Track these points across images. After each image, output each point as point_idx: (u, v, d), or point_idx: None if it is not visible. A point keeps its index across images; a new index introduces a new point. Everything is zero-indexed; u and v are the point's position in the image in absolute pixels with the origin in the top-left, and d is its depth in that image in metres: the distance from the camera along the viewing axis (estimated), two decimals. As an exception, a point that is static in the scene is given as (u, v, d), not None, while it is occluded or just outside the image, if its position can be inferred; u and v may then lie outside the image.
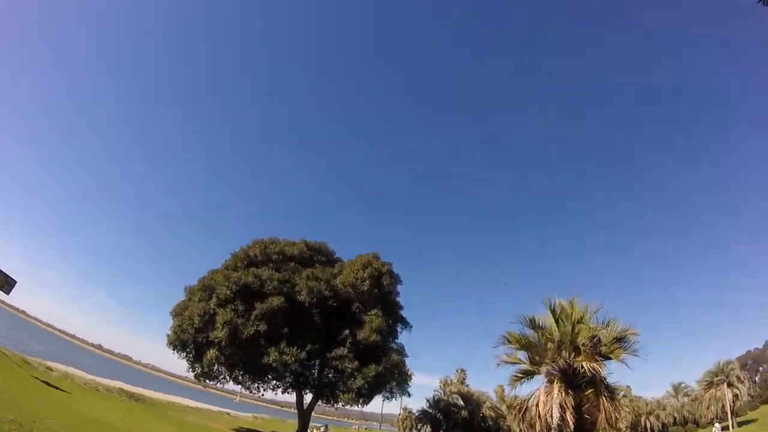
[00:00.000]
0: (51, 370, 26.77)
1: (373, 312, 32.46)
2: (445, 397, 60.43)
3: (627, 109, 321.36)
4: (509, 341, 20.41)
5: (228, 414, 48.36)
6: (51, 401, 15.91)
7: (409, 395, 37.33)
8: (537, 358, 20.31)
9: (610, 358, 18.36)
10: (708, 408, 67.59)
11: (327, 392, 33.69)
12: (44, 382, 20.94)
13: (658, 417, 79.32)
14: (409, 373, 35.16)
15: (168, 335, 32.86)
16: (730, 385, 65.88)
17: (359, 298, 33.39)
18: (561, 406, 17.21)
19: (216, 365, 31.73)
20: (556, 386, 17.87)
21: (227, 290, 30.55)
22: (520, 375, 20.70)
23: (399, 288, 37.69)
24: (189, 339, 31.04)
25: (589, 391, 18.14)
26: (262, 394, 38.18)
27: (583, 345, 18.37)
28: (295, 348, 29.62)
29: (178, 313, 32.44)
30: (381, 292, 34.77)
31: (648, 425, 78.85)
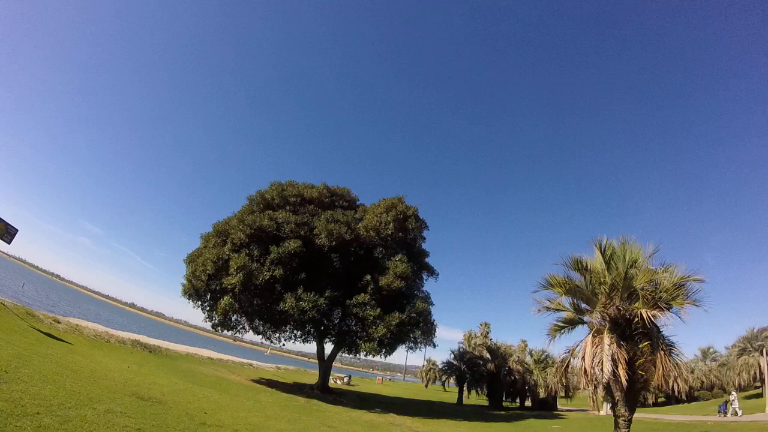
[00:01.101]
0: (58, 322, 26.43)
1: (398, 257, 31.47)
2: (470, 350, 59.76)
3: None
4: (551, 285, 18.71)
5: (250, 365, 49.16)
6: (41, 351, 15.47)
7: (435, 346, 36.21)
8: (582, 305, 18.83)
9: (669, 307, 16.22)
10: (739, 374, 65.77)
11: (348, 341, 32.98)
12: (45, 333, 20.71)
13: (686, 380, 77.73)
14: (434, 322, 33.77)
15: (182, 284, 32.61)
16: (765, 352, 63.91)
17: (382, 243, 32.33)
18: (613, 360, 15.67)
19: (231, 313, 31.34)
20: (606, 337, 16.35)
21: (241, 234, 29.80)
22: (562, 324, 19.31)
23: (425, 234, 36.39)
24: (202, 286, 30.53)
25: (644, 344, 16.53)
26: (283, 344, 38.03)
27: (643, 290, 16.61)
28: (312, 294, 28.73)
29: (191, 260, 31.93)
30: (406, 237, 33.72)
31: (675, 387, 77.53)
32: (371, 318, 29.23)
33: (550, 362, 56.22)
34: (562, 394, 55.32)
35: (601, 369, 15.62)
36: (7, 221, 23.82)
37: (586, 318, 18.78)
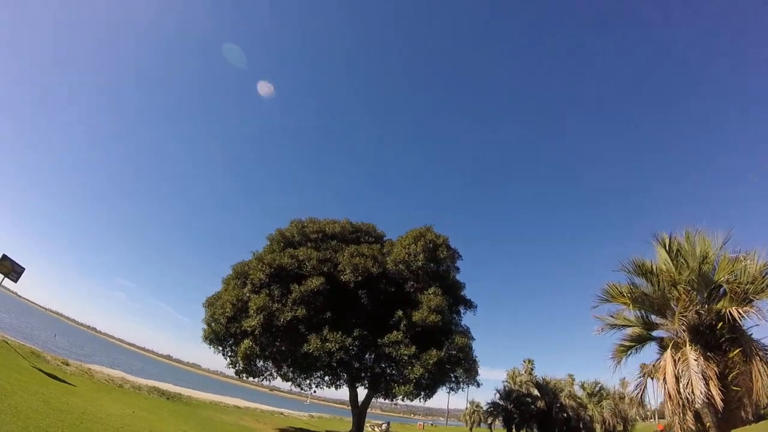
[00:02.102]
0: (67, 364, 26.51)
1: (431, 290, 29.74)
2: (516, 388, 56.92)
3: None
4: (612, 296, 16.44)
5: (281, 414, 48.16)
6: (30, 389, 15.05)
7: (478, 385, 33.77)
8: (652, 317, 16.49)
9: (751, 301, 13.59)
10: None
11: (382, 385, 31.15)
12: (47, 373, 20.47)
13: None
14: (476, 359, 31.54)
15: (203, 329, 31.97)
16: None
17: (413, 277, 30.87)
18: (702, 377, 13.20)
19: (254, 358, 29.96)
20: (690, 350, 13.99)
21: (261, 274, 28.96)
22: (629, 343, 17.05)
23: (458, 264, 34.68)
24: (222, 330, 29.82)
25: (735, 352, 13.95)
26: (314, 391, 36.54)
27: (729, 283, 14.23)
28: (339, 334, 27.34)
29: (210, 303, 31.35)
30: (438, 269, 32.20)
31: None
32: (406, 357, 27.47)
33: (605, 395, 53.23)
34: (621, 428, 52.02)
35: (692, 391, 13.16)
36: (13, 260, 25.38)
37: (656, 333, 16.60)
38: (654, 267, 15.88)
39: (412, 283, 30.40)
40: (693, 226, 15.90)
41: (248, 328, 27.38)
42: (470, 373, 31.48)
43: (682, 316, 14.77)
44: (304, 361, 29.19)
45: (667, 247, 15.86)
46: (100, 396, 21.12)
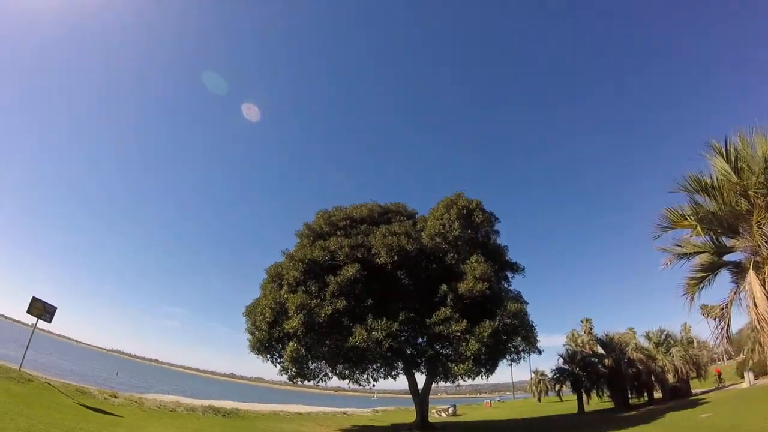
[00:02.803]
0: (115, 397, 26.50)
1: (473, 259, 28.85)
2: (579, 350, 55.21)
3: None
4: (674, 221, 14.82)
5: (344, 414, 47.78)
6: (66, 425, 15.07)
7: (540, 352, 32.13)
8: (723, 239, 14.83)
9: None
10: None
11: (440, 368, 30.04)
12: (92, 408, 20.76)
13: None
14: (533, 324, 30.31)
15: (248, 339, 31.61)
16: None
17: (452, 248, 29.98)
18: None
19: (302, 360, 29.68)
20: None
21: (294, 272, 28.42)
22: (701, 273, 15.23)
23: (498, 228, 33.48)
24: (265, 337, 29.30)
25: None
26: (373, 385, 35.33)
27: None
28: (384, 321, 26.46)
29: (250, 311, 30.99)
30: (476, 235, 31.36)
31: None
32: (459, 334, 26.57)
33: (673, 342, 51.12)
34: (694, 374, 49.96)
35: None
36: (45, 301, 27.39)
37: (728, 258, 14.98)
38: (715, 180, 14.24)
39: (452, 254, 29.49)
40: (746, 127, 14.07)
41: (290, 330, 26.72)
42: (529, 341, 30.26)
43: (760, 227, 13.23)
44: (353, 355, 28.47)
45: (724, 155, 14.07)
46: (148, 423, 21.10)
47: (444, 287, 27.58)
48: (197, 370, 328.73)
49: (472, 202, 30.93)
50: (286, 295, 27.83)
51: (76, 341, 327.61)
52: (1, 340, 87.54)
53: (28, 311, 26.97)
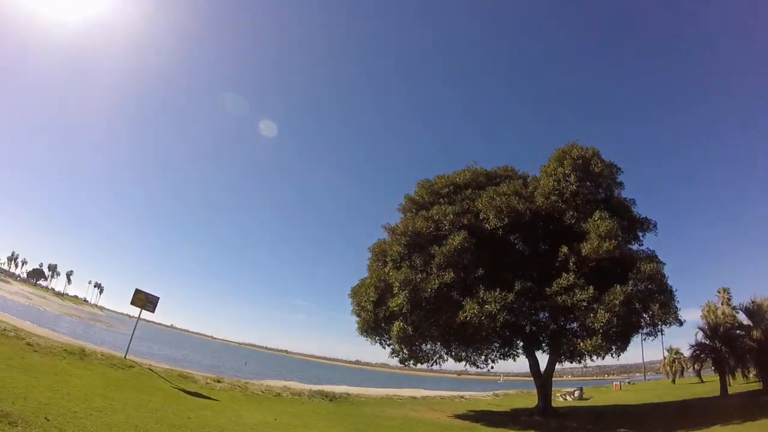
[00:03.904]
0: (219, 381, 27.28)
1: (596, 215, 25.97)
2: (720, 322, 50.09)
3: None
4: None
5: (461, 398, 46.36)
6: (149, 406, 15.42)
7: (681, 323, 27.88)
8: None
9: None
10: None
11: (564, 345, 27.63)
12: (189, 392, 21.37)
13: None
14: (672, 289, 26.87)
15: (356, 322, 31.28)
16: None
17: (570, 205, 27.37)
18: None
19: (416, 341, 28.70)
20: None
21: (397, 247, 27.92)
22: None
23: (621, 180, 30.17)
24: (370, 317, 28.63)
25: None
26: (491, 367, 33.33)
27: None
28: (497, 292, 24.48)
29: (355, 292, 30.71)
30: (596, 190, 28.27)
31: None
32: (585, 303, 23.98)
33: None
34: None
35: None
36: (147, 292, 29.44)
37: None
38: None
39: (571, 213, 26.93)
40: None
41: (396, 308, 25.96)
42: (667, 308, 25.97)
43: None
44: (464, 332, 26.50)
45: None
46: (244, 406, 21.33)
47: (564, 249, 25.23)
48: (323, 358, 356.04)
49: (587, 151, 28.01)
50: (390, 272, 27.07)
51: (212, 337, 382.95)
52: (154, 340, 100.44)
53: (132, 302, 29.06)
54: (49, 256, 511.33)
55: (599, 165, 27.31)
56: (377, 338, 30.93)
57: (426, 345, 30.36)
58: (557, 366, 31.67)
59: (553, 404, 33.86)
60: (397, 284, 25.53)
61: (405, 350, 29.27)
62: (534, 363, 30.94)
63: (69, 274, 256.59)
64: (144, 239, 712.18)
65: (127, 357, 26.04)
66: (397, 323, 26.33)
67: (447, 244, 25.51)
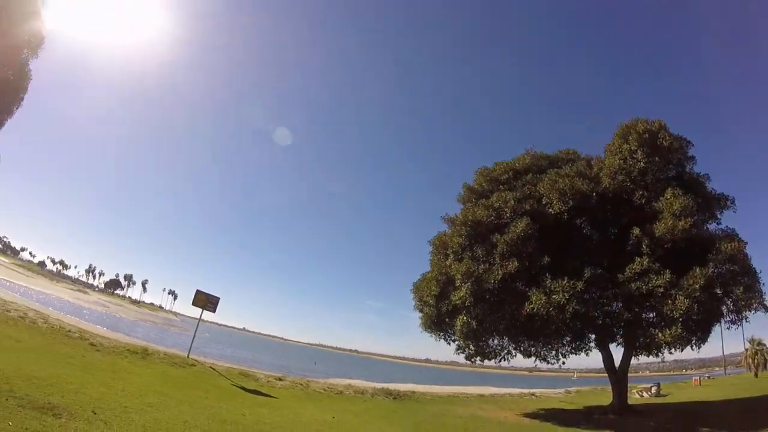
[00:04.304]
0: (280, 380, 27.96)
1: (668, 193, 24.43)
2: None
3: None
4: None
5: (532, 395, 45.17)
6: (203, 405, 15.53)
7: (767, 308, 25.82)
8: None
9: None
10: None
11: (640, 337, 25.94)
12: (248, 389, 21.89)
13: None
14: (757, 270, 24.95)
15: (419, 318, 30.81)
16: None
17: (639, 184, 25.94)
18: None
19: (481, 336, 27.60)
20: None
21: (458, 238, 27.14)
22: None
23: (692, 154, 28.41)
24: (433, 312, 28.26)
25: None
26: (563, 363, 31.62)
27: None
28: (565, 280, 23.36)
29: (417, 287, 30.28)
30: (666, 163, 26.58)
31: None
32: (661, 290, 22.36)
33: None
34: None
35: None
36: (207, 292, 30.89)
37: None
38: None
39: (641, 192, 25.55)
40: None
41: (458, 302, 25.42)
42: (752, 292, 23.95)
43: None
44: (531, 326, 25.67)
45: None
46: (302, 404, 21.51)
47: (636, 231, 23.97)
48: (393, 357, 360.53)
49: (653, 124, 26.37)
50: (451, 265, 26.50)
51: (283, 339, 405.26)
52: (225, 343, 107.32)
53: (193, 303, 30.54)
54: (124, 267, 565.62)
55: (667, 138, 25.72)
56: (441, 334, 30.25)
57: (493, 340, 29.41)
58: (633, 361, 30.04)
59: (629, 401, 31.93)
60: (459, 276, 24.92)
61: (471, 346, 28.38)
62: (608, 357, 29.46)
63: (144, 283, 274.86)
64: (216, 245, 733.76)
65: (189, 356, 27.05)
66: (460, 317, 25.73)
67: (509, 232, 24.69)
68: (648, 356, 28.36)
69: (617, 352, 29.71)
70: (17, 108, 29.06)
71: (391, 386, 36.06)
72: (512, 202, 25.79)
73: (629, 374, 31.52)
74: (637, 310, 25.03)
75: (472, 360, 30.58)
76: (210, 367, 26.78)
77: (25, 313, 26.93)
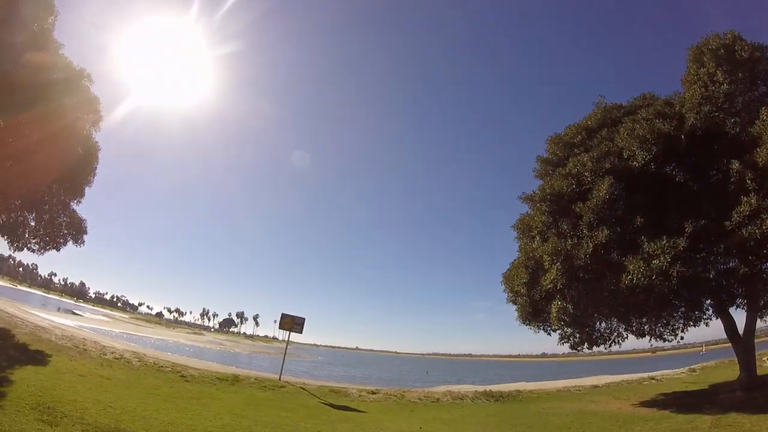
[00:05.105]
0: (373, 393, 28.45)
1: (763, 113, 21.22)
2: None
3: None
4: None
5: (651, 380, 41.70)
6: (284, 422, 16.35)
7: None
8: None
9: None
10: None
11: (762, 293, 22.79)
12: (336, 405, 22.44)
13: None
14: None
15: (516, 311, 29.24)
16: None
17: (729, 111, 23.22)
18: None
19: (582, 320, 25.41)
20: None
21: (540, 216, 25.78)
22: None
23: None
24: (526, 302, 26.63)
25: None
26: (681, 338, 27.85)
27: None
28: (664, 240, 20.61)
29: (507, 277, 28.94)
30: (754, 80, 23.57)
31: None
32: (778, 231, 19.45)
33: None
34: None
35: None
36: (292, 315, 33.50)
37: None
38: None
39: (732, 120, 22.81)
40: None
41: (549, 286, 23.44)
42: None
43: None
44: (635, 299, 22.64)
45: None
46: (392, 417, 21.48)
47: (736, 165, 20.97)
48: (509, 356, 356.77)
49: (726, 37, 23.68)
50: (537, 247, 25.03)
51: (396, 353, 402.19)
52: (336, 363, 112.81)
53: (280, 326, 34.14)
54: (236, 306, 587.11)
55: (746, 49, 22.98)
56: (540, 325, 28.21)
57: (600, 323, 27.31)
58: (759, 324, 26.32)
59: (760, 371, 27.93)
60: (547, 257, 23.17)
61: (576, 333, 26.46)
62: (730, 324, 25.75)
63: (255, 318, 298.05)
64: (321, 270, 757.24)
65: (281, 378, 28.72)
66: (555, 303, 23.75)
67: (592, 197, 22.71)
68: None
69: (740, 316, 26.12)
70: (93, 177, 32.81)
71: (496, 387, 35.07)
72: (590, 163, 23.90)
73: (757, 340, 28.23)
74: (754, 260, 21.58)
75: (578, 348, 28.27)
76: (300, 387, 27.65)
77: (121, 354, 28.09)
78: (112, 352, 28.27)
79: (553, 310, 23.83)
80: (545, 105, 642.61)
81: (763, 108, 21.38)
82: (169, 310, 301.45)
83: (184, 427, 12.35)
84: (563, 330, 26.54)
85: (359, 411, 21.61)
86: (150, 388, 18.71)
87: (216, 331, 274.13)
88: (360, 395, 26.68)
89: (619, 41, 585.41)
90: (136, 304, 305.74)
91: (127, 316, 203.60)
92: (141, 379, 20.87)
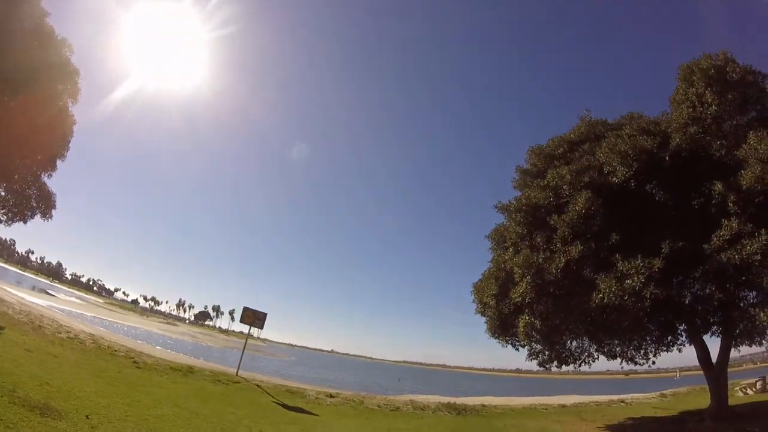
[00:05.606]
0: (331, 396, 28.21)
1: (751, 137, 20.78)
2: None
3: None
4: None
5: (621, 402, 41.43)
6: (225, 417, 16.28)
7: None
8: None
9: None
10: None
11: (738, 321, 21.47)
12: (291, 407, 22.13)
13: None
14: None
15: (485, 323, 28.56)
16: None
17: (716, 133, 22.94)
18: None
19: (552, 337, 24.85)
20: None
21: (515, 227, 25.09)
22: None
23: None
24: (494, 315, 25.91)
25: None
26: (653, 362, 27.59)
27: None
28: (638, 260, 19.95)
29: (476, 287, 28.27)
30: (744, 103, 23.07)
31: None
32: (758, 256, 18.33)
33: None
34: None
35: None
36: (254, 309, 32.87)
37: None
38: None
39: (719, 142, 22.43)
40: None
41: (518, 299, 22.82)
42: None
43: None
44: (605, 320, 22.23)
45: None
46: (346, 423, 21.46)
47: (719, 186, 20.46)
48: (482, 369, 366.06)
49: (718, 58, 23.25)
50: (509, 258, 24.38)
51: (371, 358, 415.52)
52: (311, 365, 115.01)
53: (241, 320, 32.97)
54: (214, 299, 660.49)
55: (737, 71, 22.57)
56: (508, 339, 27.54)
57: (571, 342, 26.98)
58: (733, 353, 26.16)
59: (732, 401, 27.90)
60: (518, 270, 22.52)
61: (545, 350, 26.11)
62: (703, 351, 25.50)
63: (231, 312, 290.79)
64: (303, 269, 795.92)
65: (238, 374, 28.27)
66: (523, 317, 23.22)
67: (569, 210, 22.23)
68: (750, 345, 24.06)
69: (714, 343, 25.74)
70: (66, 150, 32.87)
71: (460, 400, 35.05)
72: (569, 176, 23.29)
73: (730, 369, 27.96)
74: (731, 286, 21.18)
75: (547, 366, 27.73)
76: (256, 384, 27.33)
77: (76, 334, 28.03)
78: (68, 332, 28.26)
79: (521, 324, 23.32)
80: (533, 119, 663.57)
81: (751, 132, 20.94)
82: (145, 298, 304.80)
83: (118, 411, 12.29)
84: (531, 346, 26.12)
85: (311, 414, 21.41)
86: (96, 370, 18.62)
87: (191, 323, 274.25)
88: (317, 398, 26.38)
89: (608, 59, 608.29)
90: (112, 289, 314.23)
91: (101, 301, 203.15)
92: (90, 361, 20.79)
